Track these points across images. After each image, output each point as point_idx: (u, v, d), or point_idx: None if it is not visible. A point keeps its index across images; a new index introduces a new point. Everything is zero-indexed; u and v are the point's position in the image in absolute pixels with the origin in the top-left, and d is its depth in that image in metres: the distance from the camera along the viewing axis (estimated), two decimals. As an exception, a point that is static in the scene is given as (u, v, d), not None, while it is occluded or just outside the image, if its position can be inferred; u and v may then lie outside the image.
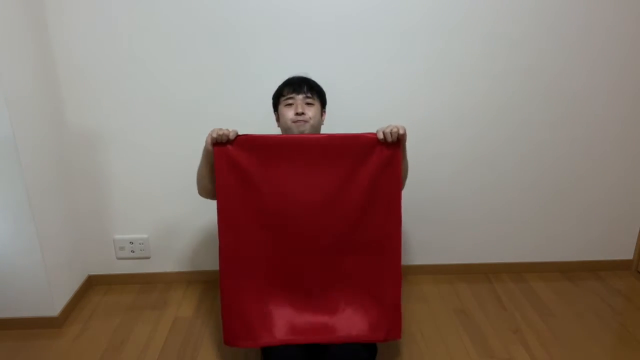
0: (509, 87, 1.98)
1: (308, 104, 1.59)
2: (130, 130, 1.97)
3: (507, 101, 2.00)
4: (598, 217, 2.21)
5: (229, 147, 1.47)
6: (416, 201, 2.05)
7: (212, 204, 1.58)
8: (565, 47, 1.93)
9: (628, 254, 2.29)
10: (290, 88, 1.60)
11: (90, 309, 2.01)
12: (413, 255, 2.23)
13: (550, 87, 1.99)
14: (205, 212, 1.98)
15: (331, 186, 1.49)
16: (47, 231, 1.81)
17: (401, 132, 1.42)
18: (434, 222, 2.18)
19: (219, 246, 1.52)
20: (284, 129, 1.61)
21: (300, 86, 1.59)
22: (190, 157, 1.61)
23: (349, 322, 1.53)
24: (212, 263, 2.17)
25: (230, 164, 1.48)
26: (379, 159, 1.47)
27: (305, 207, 1.50)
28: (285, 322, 1.54)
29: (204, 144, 1.49)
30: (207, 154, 1.51)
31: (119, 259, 2.17)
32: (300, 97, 1.58)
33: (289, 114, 1.57)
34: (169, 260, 2.19)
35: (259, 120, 1.73)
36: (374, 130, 1.46)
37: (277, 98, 1.64)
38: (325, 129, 1.67)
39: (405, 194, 1.65)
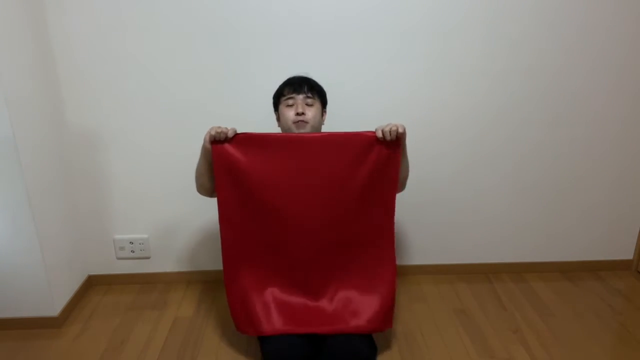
0: (509, 87, 1.98)
1: (308, 104, 1.59)
2: (130, 130, 1.97)
3: (507, 101, 2.00)
4: (598, 217, 2.21)
5: (227, 145, 1.48)
6: (416, 201, 2.05)
7: (212, 204, 1.59)
8: (565, 47, 1.93)
9: (628, 254, 2.29)
10: (290, 88, 1.60)
11: (90, 309, 2.01)
12: (413, 255, 2.23)
13: (550, 86, 1.99)
14: (205, 212, 1.99)
15: (330, 183, 1.51)
16: (47, 231, 1.81)
17: (400, 130, 1.43)
18: (434, 222, 2.18)
19: (221, 240, 1.58)
20: (285, 129, 1.62)
21: (300, 86, 1.60)
22: (190, 157, 1.61)
23: (347, 314, 1.57)
24: (212, 263, 2.17)
25: (229, 162, 1.49)
26: (378, 157, 1.48)
27: (303, 203, 1.52)
28: (284, 313, 1.58)
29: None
30: (205, 152, 1.51)
31: (119, 259, 2.17)
32: (300, 97, 1.58)
33: (289, 113, 1.57)
34: (169, 260, 2.19)
35: (259, 121, 1.73)
36: (373, 130, 1.47)
37: (278, 98, 1.64)
38: (326, 129, 1.67)
39: (405, 193, 1.67)
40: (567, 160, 2.11)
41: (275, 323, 1.55)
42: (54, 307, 1.87)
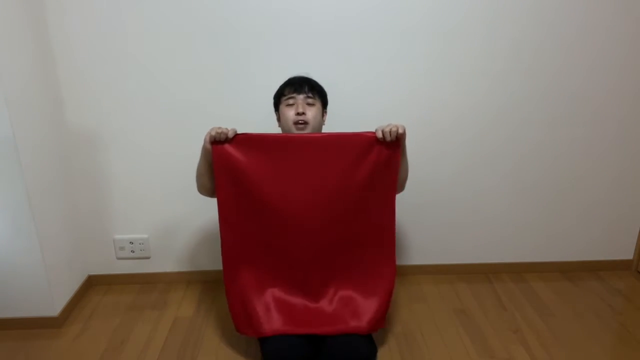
0: (509, 87, 1.98)
1: (309, 104, 1.59)
2: (130, 131, 1.97)
3: (507, 101, 2.00)
4: (598, 217, 2.21)
5: (228, 145, 1.48)
6: (416, 201, 2.06)
7: (212, 204, 1.59)
8: (564, 46, 1.94)
9: (628, 254, 2.29)
10: (291, 88, 1.60)
11: (90, 309, 2.01)
12: (413, 255, 2.23)
13: (550, 86, 1.99)
14: (205, 212, 1.99)
15: (330, 184, 1.51)
16: (47, 231, 1.81)
17: (400, 131, 1.43)
18: (434, 222, 2.18)
19: (220, 241, 1.58)
20: (285, 129, 1.62)
21: (301, 86, 1.60)
22: (190, 157, 1.61)
23: (346, 314, 1.57)
24: (212, 263, 2.17)
25: (229, 162, 1.49)
26: (378, 158, 1.48)
27: (303, 204, 1.52)
28: (284, 313, 1.58)
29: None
30: (205, 153, 1.52)
31: (119, 259, 2.17)
32: (301, 97, 1.58)
33: (289, 113, 1.57)
34: (169, 260, 2.19)
35: (260, 121, 1.73)
36: (373, 130, 1.47)
37: (278, 98, 1.64)
38: (326, 129, 1.67)
39: (405, 193, 1.67)
40: (567, 160, 2.11)
41: (275, 323, 1.55)
42: (54, 307, 1.87)
